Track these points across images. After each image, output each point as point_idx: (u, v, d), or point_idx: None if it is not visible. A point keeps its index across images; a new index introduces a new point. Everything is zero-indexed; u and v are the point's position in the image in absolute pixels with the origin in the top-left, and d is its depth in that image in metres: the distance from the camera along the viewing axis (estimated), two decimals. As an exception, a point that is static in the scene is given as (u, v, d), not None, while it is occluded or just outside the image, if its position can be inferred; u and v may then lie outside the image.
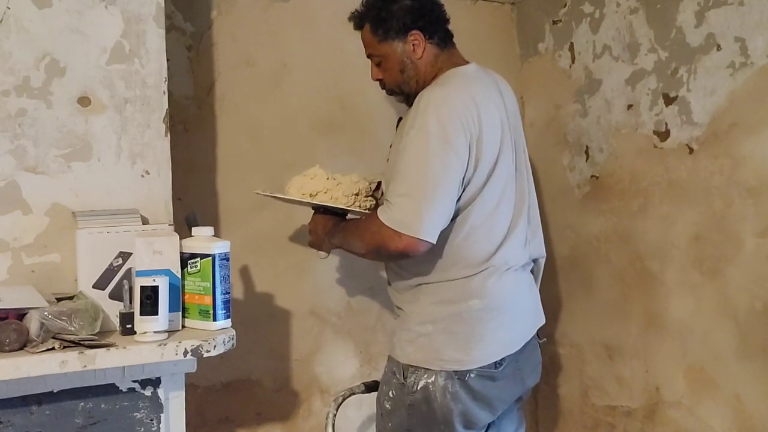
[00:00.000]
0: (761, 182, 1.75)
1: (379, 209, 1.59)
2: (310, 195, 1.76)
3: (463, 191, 1.60)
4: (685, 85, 1.92)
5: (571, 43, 2.30)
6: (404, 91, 1.76)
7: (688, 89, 1.91)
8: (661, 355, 2.03)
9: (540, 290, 1.81)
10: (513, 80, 2.53)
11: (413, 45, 1.71)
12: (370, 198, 1.79)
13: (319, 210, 1.84)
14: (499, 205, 1.65)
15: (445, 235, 1.61)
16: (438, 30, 1.73)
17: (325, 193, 1.75)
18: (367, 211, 1.75)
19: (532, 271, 1.81)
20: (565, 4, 2.32)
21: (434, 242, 1.55)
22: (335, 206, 1.76)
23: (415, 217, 1.51)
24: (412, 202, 1.52)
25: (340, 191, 1.74)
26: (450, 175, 1.55)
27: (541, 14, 2.43)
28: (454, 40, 1.80)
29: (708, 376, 1.89)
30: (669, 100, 1.97)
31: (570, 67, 2.31)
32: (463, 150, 1.56)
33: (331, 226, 1.78)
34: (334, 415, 1.88)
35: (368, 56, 1.79)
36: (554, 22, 2.38)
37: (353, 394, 1.91)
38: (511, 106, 1.77)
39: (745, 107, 1.78)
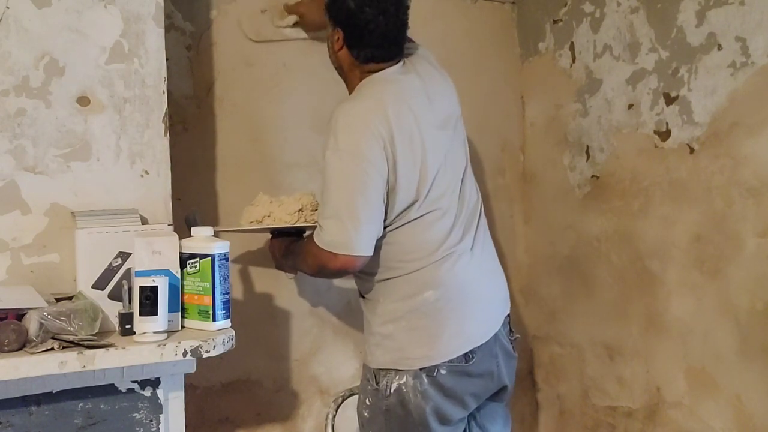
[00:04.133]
0: (762, 182, 1.74)
1: (314, 232, 1.63)
2: (257, 222, 1.80)
3: (389, 195, 1.60)
4: (686, 85, 1.92)
5: (572, 43, 2.30)
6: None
7: (688, 89, 1.91)
8: (661, 355, 2.02)
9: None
10: (513, 80, 2.54)
11: (336, 37, 1.71)
12: (317, 211, 1.80)
13: (274, 234, 1.89)
14: (439, 200, 1.66)
15: (391, 236, 1.64)
16: (358, 47, 1.69)
17: (269, 216, 1.79)
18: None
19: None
20: (566, 4, 2.32)
21: (370, 254, 1.60)
22: (281, 227, 1.79)
23: (344, 237, 1.56)
24: (337, 223, 1.57)
25: (283, 211, 1.78)
26: (369, 187, 1.57)
27: (541, 14, 2.43)
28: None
29: (709, 377, 1.89)
30: (670, 100, 1.97)
31: (570, 66, 2.31)
32: (379, 159, 1.58)
33: (284, 248, 1.84)
34: (334, 416, 1.88)
35: None
36: (555, 22, 2.37)
37: (353, 394, 1.91)
38: (440, 93, 1.74)
39: (746, 107, 1.77)
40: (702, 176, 1.88)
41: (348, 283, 2.27)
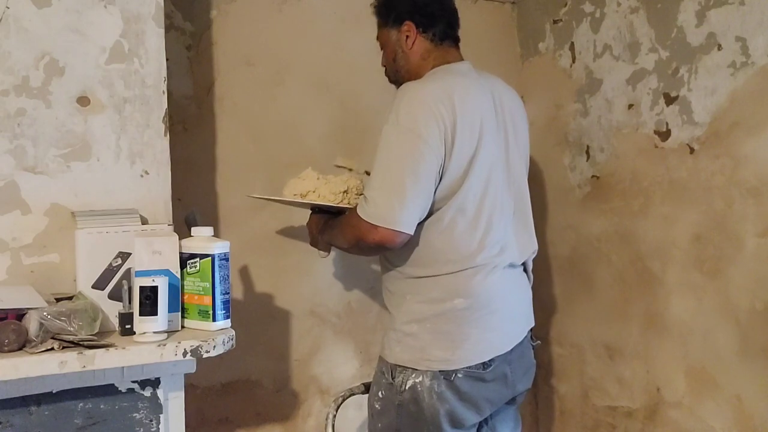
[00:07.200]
0: (762, 182, 1.74)
1: (358, 204, 1.62)
2: (301, 195, 1.81)
3: (440, 182, 1.60)
4: (686, 85, 1.92)
5: (572, 43, 2.30)
6: (398, 80, 1.80)
7: (688, 89, 1.91)
8: (661, 355, 2.02)
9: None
10: (514, 80, 2.54)
11: (405, 35, 1.74)
12: (362, 195, 1.80)
13: (315, 210, 1.89)
14: (482, 201, 1.65)
15: (427, 229, 1.62)
16: (432, 25, 1.73)
17: (314, 192, 1.80)
18: None
19: (525, 270, 1.81)
20: (566, 4, 2.32)
21: (411, 233, 1.57)
22: (324, 204, 1.80)
23: (388, 209, 1.54)
24: (383, 195, 1.56)
25: (328, 189, 1.79)
26: (421, 166, 1.56)
27: (541, 14, 2.43)
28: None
29: (709, 377, 1.89)
30: (670, 100, 1.97)
31: (571, 66, 2.31)
32: (436, 141, 1.57)
33: (322, 224, 1.83)
34: (334, 416, 1.88)
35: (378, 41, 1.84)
36: (555, 22, 2.37)
37: (353, 394, 1.91)
38: (509, 108, 1.76)
39: (746, 107, 1.77)
40: (702, 176, 1.88)
41: (348, 283, 2.27)
